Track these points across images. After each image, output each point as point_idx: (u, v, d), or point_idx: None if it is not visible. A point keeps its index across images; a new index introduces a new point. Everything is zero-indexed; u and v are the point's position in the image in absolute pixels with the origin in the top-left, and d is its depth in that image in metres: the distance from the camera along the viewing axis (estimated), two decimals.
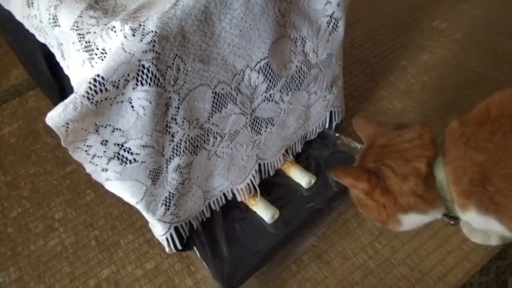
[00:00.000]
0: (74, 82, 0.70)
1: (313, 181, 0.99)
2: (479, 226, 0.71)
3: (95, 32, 0.65)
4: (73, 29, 0.67)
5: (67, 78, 0.73)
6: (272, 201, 0.97)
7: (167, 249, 0.91)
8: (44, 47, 0.80)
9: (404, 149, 0.70)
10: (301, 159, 1.05)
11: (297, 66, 0.86)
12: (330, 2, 0.82)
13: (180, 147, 0.75)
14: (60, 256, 1.05)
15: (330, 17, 0.84)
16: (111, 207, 1.14)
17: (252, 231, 0.94)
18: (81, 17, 0.68)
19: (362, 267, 0.92)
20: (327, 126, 1.06)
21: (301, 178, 1.00)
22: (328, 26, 0.86)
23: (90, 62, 0.64)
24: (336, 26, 0.87)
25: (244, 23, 0.70)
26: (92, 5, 0.70)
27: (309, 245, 0.97)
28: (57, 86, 1.02)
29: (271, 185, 1.01)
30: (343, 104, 1.07)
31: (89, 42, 0.65)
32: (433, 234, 0.94)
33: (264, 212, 0.95)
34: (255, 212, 0.97)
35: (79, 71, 0.67)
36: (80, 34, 0.67)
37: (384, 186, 0.69)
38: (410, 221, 0.72)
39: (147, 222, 1.07)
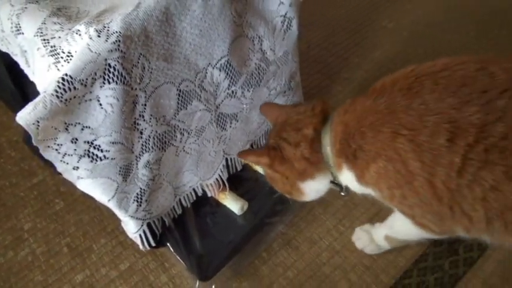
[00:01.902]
0: (40, 87, 0.72)
1: None
2: (356, 189, 0.78)
3: (59, 37, 0.68)
4: (37, 35, 0.70)
5: (31, 86, 0.75)
6: (241, 195, 1.02)
7: (141, 247, 0.93)
8: (5, 56, 0.81)
9: (297, 121, 0.79)
10: None
11: (256, 64, 0.92)
12: (282, 2, 0.89)
13: (149, 144, 0.79)
14: (31, 265, 1.04)
15: (284, 16, 0.91)
16: (81, 213, 1.14)
17: (223, 224, 0.98)
18: (44, 23, 0.71)
19: (328, 249, 0.98)
20: None
21: None
22: (283, 26, 0.92)
23: (56, 66, 0.67)
24: (290, 25, 0.93)
25: (204, 23, 0.75)
26: (55, 12, 0.73)
27: (278, 233, 1.02)
28: (21, 95, 1.03)
29: (239, 179, 1.05)
30: (303, 100, 1.13)
31: (54, 46, 0.67)
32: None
33: (234, 204, 0.99)
34: (225, 206, 1.01)
35: (45, 76, 0.70)
36: (44, 39, 0.69)
37: (282, 157, 0.78)
38: (310, 188, 0.81)
39: (119, 225, 1.09)
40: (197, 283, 0.91)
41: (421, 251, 0.94)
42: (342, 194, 0.82)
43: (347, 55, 1.53)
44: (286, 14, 0.91)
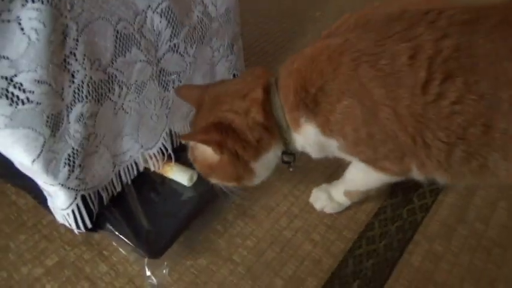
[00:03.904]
0: None
1: None
2: (315, 149, 0.74)
3: None
4: None
5: None
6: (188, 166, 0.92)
7: (75, 229, 0.79)
8: None
9: (238, 89, 0.72)
10: None
11: (198, 17, 0.86)
12: None
13: (82, 91, 0.67)
14: None
15: None
16: None
17: (170, 197, 0.88)
18: None
19: (287, 214, 0.92)
20: None
21: None
22: None
23: None
24: None
25: None
26: None
27: (232, 204, 0.94)
28: None
29: (185, 154, 0.96)
30: (244, 69, 1.09)
31: None
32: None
33: (181, 175, 0.90)
34: (171, 180, 0.91)
35: None
36: None
37: (233, 130, 0.69)
38: (262, 165, 0.74)
39: (42, 218, 0.93)
40: (145, 261, 0.79)
41: (379, 204, 0.92)
42: (290, 169, 0.78)
43: (283, 43, 1.55)
44: None
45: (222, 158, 0.72)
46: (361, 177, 0.81)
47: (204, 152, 0.74)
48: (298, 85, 0.66)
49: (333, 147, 0.70)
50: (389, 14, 0.64)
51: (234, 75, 1.05)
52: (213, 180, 0.79)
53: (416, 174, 0.70)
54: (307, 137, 0.71)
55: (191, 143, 0.78)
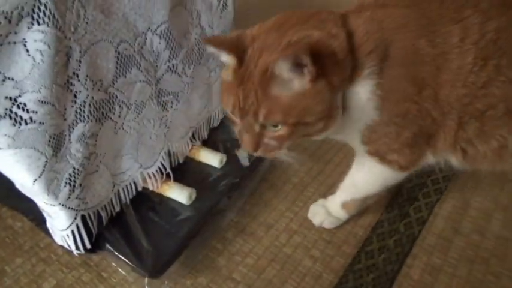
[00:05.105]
0: None
1: (224, 160, 0.99)
2: (349, 113, 0.67)
3: None
4: None
5: None
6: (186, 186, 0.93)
7: (74, 250, 0.78)
8: None
9: (313, 15, 0.64)
10: (209, 145, 1.04)
11: (195, 38, 0.88)
12: None
13: (84, 111, 0.68)
14: None
15: None
16: None
17: (170, 216, 0.88)
18: None
19: (286, 230, 0.92)
20: None
21: (213, 158, 0.98)
22: (219, 4, 0.92)
23: None
24: (226, 4, 0.93)
25: None
26: None
27: (230, 222, 0.94)
28: None
29: (183, 173, 0.96)
30: None
31: None
32: None
33: (180, 194, 0.90)
34: (169, 199, 0.91)
35: None
36: None
37: (327, 52, 0.59)
38: (344, 102, 0.65)
39: (39, 240, 0.93)
40: (146, 281, 0.78)
41: (376, 219, 0.93)
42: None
43: None
44: None
45: (313, 87, 0.59)
46: (362, 177, 0.81)
47: (289, 83, 0.59)
48: (375, 33, 0.62)
49: (362, 122, 0.67)
50: None
51: None
52: (287, 126, 0.61)
53: (430, 160, 0.73)
54: (360, 94, 0.64)
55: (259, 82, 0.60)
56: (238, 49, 0.62)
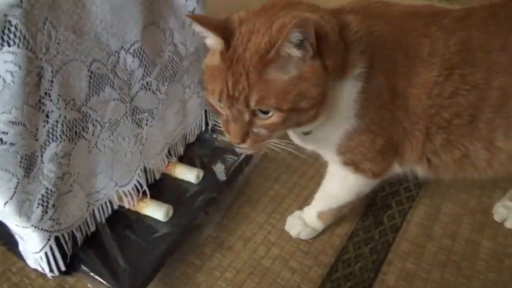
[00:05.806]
0: None
1: (201, 175, 0.99)
2: (329, 114, 0.66)
3: None
4: None
5: None
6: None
7: (48, 273, 0.76)
8: None
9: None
10: (185, 160, 1.04)
11: (169, 56, 0.90)
12: None
13: (56, 131, 0.68)
14: None
15: (192, 12, 0.92)
16: None
17: (147, 234, 0.87)
18: None
19: (264, 243, 0.93)
20: (203, 128, 1.10)
21: (189, 174, 0.99)
22: (191, 22, 0.93)
23: None
24: None
25: None
26: None
27: (208, 237, 0.94)
28: None
29: (160, 189, 0.96)
30: None
31: None
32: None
33: (157, 211, 0.90)
34: (145, 216, 0.91)
35: None
36: None
37: (325, 36, 0.59)
38: (334, 94, 0.64)
39: (12, 265, 0.90)
40: None
41: (352, 228, 0.95)
42: None
43: None
44: (194, 10, 0.92)
45: (310, 67, 0.58)
46: (337, 186, 0.82)
47: (287, 65, 0.58)
48: (365, 34, 0.64)
49: (341, 128, 0.68)
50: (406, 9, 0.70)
51: (205, 112, 1.08)
52: (281, 112, 0.59)
53: (396, 169, 0.76)
54: (345, 91, 0.65)
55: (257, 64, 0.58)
56: (226, 31, 0.60)
